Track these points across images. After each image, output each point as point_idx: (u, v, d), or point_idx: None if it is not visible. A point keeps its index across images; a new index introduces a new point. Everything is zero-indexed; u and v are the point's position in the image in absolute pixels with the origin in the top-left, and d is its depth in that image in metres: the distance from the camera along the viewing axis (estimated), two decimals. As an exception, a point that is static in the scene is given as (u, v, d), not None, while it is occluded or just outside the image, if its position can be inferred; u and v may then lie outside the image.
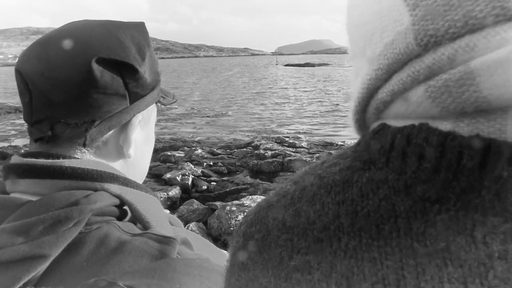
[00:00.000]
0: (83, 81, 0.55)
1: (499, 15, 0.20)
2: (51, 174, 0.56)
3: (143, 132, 0.66)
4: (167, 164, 6.94)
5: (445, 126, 0.21)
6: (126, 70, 0.58)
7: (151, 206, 0.62)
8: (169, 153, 7.47)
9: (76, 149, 0.59)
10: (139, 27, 0.64)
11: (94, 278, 0.48)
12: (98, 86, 0.55)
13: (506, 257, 0.20)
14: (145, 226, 0.60)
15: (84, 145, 0.58)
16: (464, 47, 0.20)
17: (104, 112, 0.58)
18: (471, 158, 0.20)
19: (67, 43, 0.57)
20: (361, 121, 0.29)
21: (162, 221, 0.62)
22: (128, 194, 0.59)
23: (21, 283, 0.48)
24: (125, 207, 0.61)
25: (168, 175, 5.93)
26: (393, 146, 0.22)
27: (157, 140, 8.71)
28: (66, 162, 0.57)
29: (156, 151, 7.92)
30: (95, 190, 0.57)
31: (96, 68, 0.55)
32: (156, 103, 0.68)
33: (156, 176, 6.30)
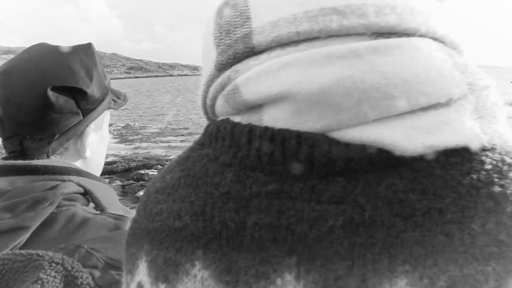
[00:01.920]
0: (42, 105, 0.73)
1: (249, 52, 0.31)
2: (28, 171, 0.75)
3: (97, 135, 0.86)
4: (140, 182, 7.04)
5: (236, 118, 0.34)
6: (76, 93, 0.77)
7: (107, 194, 0.81)
8: (142, 172, 7.57)
9: (44, 157, 0.78)
10: (87, 49, 0.82)
11: (64, 244, 0.67)
12: (54, 109, 0.74)
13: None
14: (102, 209, 0.79)
15: (48, 156, 0.77)
16: (233, 70, 0.32)
17: (62, 127, 0.77)
18: (255, 137, 0.31)
19: (27, 74, 0.75)
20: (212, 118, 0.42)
21: (116, 205, 0.82)
22: (88, 184, 0.79)
23: (9, 249, 0.67)
24: (88, 196, 0.81)
25: (141, 193, 6.04)
26: (210, 132, 0.35)
27: (131, 159, 8.77)
28: (39, 162, 0.76)
29: (129, 169, 7.98)
30: (63, 181, 0.76)
31: (52, 95, 0.74)
32: (108, 109, 0.87)
33: (129, 194, 6.40)
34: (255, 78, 0.30)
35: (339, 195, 0.28)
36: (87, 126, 0.81)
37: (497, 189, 0.27)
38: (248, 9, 0.32)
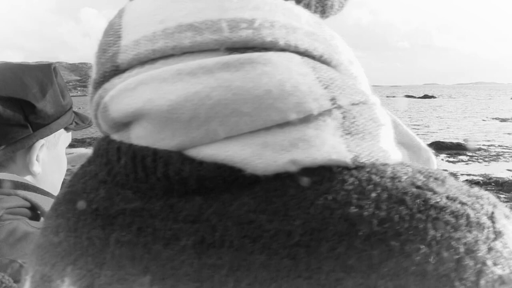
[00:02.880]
0: None
1: (115, 70, 0.31)
2: None
3: (50, 153, 0.86)
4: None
5: (114, 136, 0.32)
6: (26, 106, 0.78)
7: None
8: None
9: None
10: (46, 69, 0.84)
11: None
12: (2, 119, 0.76)
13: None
14: None
15: None
16: (103, 89, 0.32)
17: (9, 139, 0.78)
18: (122, 154, 0.31)
19: None
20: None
21: None
22: (37, 198, 0.79)
23: None
24: (39, 212, 0.81)
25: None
26: (94, 149, 0.35)
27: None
28: None
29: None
30: (8, 194, 0.76)
31: None
32: (65, 128, 0.88)
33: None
34: (117, 96, 0.30)
35: (194, 214, 0.28)
36: (36, 140, 0.81)
37: (353, 210, 0.25)
38: (121, 28, 0.32)
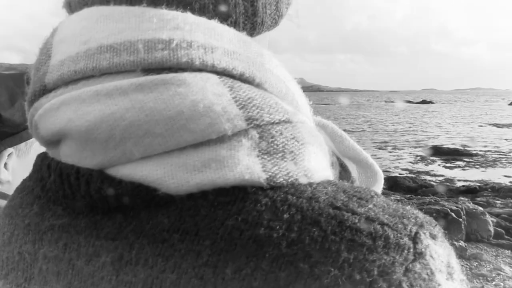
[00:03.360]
0: None
1: (43, 90, 0.31)
2: None
3: (22, 161, 0.86)
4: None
5: (50, 152, 0.33)
6: None
7: None
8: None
9: None
10: (17, 78, 0.85)
11: None
12: None
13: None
14: None
15: None
16: (34, 108, 0.32)
17: None
18: (52, 171, 0.31)
19: None
20: None
21: None
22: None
23: None
24: None
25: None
26: (33, 165, 0.36)
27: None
28: None
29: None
30: None
31: None
32: None
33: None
34: (44, 116, 0.30)
35: (114, 232, 0.28)
36: (4, 149, 0.82)
37: (262, 231, 0.25)
38: (51, 47, 0.32)
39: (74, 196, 0.29)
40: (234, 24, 0.33)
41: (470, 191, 9.23)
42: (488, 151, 15.86)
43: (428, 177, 11.28)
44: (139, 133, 0.27)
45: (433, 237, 0.27)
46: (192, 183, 0.27)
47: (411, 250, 0.26)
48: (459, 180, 10.97)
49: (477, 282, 4.85)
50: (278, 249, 0.25)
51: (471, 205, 6.75)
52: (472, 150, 15.46)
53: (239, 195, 0.27)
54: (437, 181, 10.87)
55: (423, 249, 0.26)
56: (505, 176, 11.51)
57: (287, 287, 0.24)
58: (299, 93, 0.34)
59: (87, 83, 0.29)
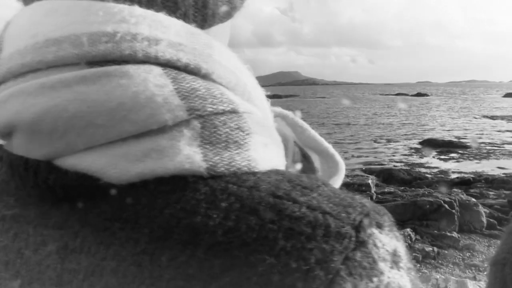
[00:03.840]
0: None
1: None
2: None
3: None
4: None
5: (6, 145, 0.31)
6: None
7: None
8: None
9: None
10: None
11: None
12: None
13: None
14: None
15: None
16: None
17: None
18: (4, 163, 0.31)
19: None
20: None
21: None
22: None
23: None
24: None
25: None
26: None
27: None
28: None
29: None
30: None
31: None
32: None
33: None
34: None
35: (61, 221, 0.29)
36: None
37: (198, 219, 0.26)
38: (3, 41, 0.32)
39: (24, 186, 0.30)
40: (184, 17, 0.33)
41: (465, 183, 9.27)
42: (482, 142, 15.92)
43: (422, 169, 11.32)
44: (82, 124, 0.27)
45: (379, 226, 0.28)
46: (133, 173, 0.27)
47: (353, 238, 0.26)
48: (453, 172, 11.02)
49: (469, 272, 4.90)
50: (214, 237, 0.25)
51: (464, 197, 6.80)
52: (467, 142, 15.52)
53: (179, 184, 0.27)
54: (432, 173, 10.91)
55: (365, 238, 0.26)
56: (499, 167, 11.57)
57: (222, 275, 0.24)
58: (253, 84, 0.34)
59: (34, 76, 0.29)
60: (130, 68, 0.28)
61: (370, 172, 10.59)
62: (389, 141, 17.15)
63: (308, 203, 0.27)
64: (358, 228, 0.27)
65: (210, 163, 0.27)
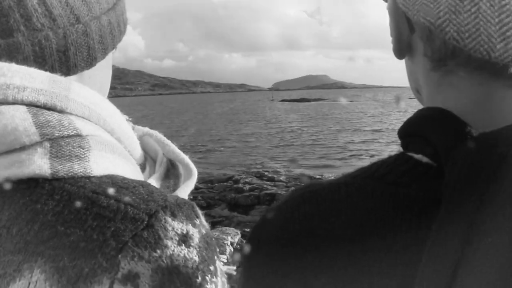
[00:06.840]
0: None
1: None
2: None
3: None
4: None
5: None
6: None
7: None
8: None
9: None
10: None
11: None
12: None
13: None
14: None
15: None
16: None
17: None
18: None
19: None
20: None
21: None
22: None
23: None
24: None
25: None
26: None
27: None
28: None
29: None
30: None
31: None
32: None
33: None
34: None
35: None
36: None
37: (39, 206, 0.40)
38: None
39: None
40: (51, 69, 0.46)
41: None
42: None
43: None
44: None
45: (173, 215, 0.41)
46: (2, 176, 0.41)
47: (145, 222, 0.40)
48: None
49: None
50: (46, 217, 0.40)
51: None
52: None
53: (32, 184, 0.41)
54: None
55: (155, 223, 0.40)
56: None
57: (49, 241, 0.39)
58: (110, 113, 0.49)
59: None
60: (3, 108, 0.42)
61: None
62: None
63: (116, 197, 0.41)
64: (151, 215, 0.40)
65: (54, 170, 0.41)
